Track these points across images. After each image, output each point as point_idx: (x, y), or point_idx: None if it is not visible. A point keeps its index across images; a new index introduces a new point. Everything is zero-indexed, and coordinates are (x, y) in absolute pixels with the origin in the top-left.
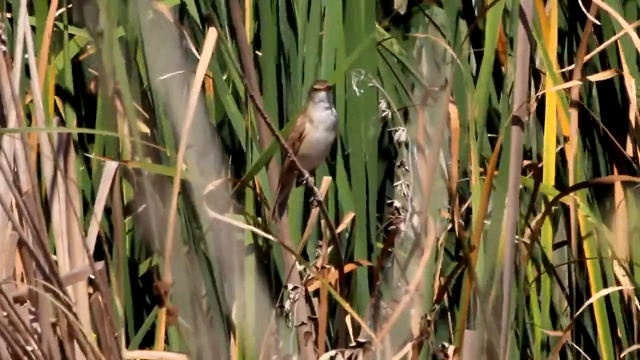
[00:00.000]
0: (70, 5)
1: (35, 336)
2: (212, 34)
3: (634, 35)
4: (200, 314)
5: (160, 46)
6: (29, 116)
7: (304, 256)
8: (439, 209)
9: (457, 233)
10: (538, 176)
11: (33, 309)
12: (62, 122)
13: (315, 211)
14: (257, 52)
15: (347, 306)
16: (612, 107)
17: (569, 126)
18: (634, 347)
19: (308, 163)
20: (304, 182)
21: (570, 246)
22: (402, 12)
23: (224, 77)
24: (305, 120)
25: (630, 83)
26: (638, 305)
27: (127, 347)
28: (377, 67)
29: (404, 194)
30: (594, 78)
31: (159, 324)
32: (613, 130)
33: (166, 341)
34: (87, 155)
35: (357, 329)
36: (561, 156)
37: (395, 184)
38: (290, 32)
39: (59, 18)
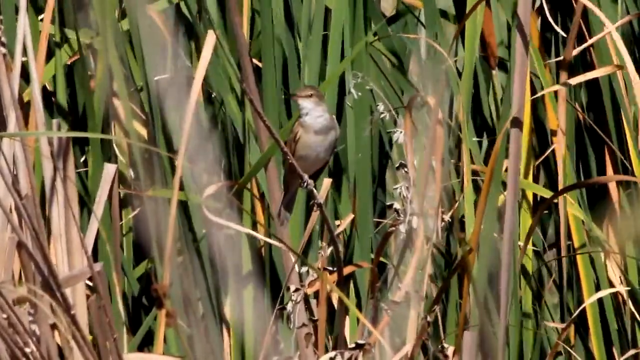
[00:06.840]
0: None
1: (34, 338)
2: (210, 37)
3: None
4: (194, 317)
5: (155, 50)
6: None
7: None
8: (430, 209)
9: (450, 233)
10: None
11: (32, 311)
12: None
13: (315, 214)
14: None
15: (352, 306)
16: (601, 106)
17: (557, 126)
18: (632, 352)
19: (307, 165)
20: (304, 185)
21: (561, 247)
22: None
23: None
24: (298, 124)
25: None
26: (632, 307)
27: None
28: (369, 69)
29: (403, 196)
30: (591, 75)
31: (157, 326)
32: (604, 130)
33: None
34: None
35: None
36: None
37: (395, 186)
38: (288, 35)
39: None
